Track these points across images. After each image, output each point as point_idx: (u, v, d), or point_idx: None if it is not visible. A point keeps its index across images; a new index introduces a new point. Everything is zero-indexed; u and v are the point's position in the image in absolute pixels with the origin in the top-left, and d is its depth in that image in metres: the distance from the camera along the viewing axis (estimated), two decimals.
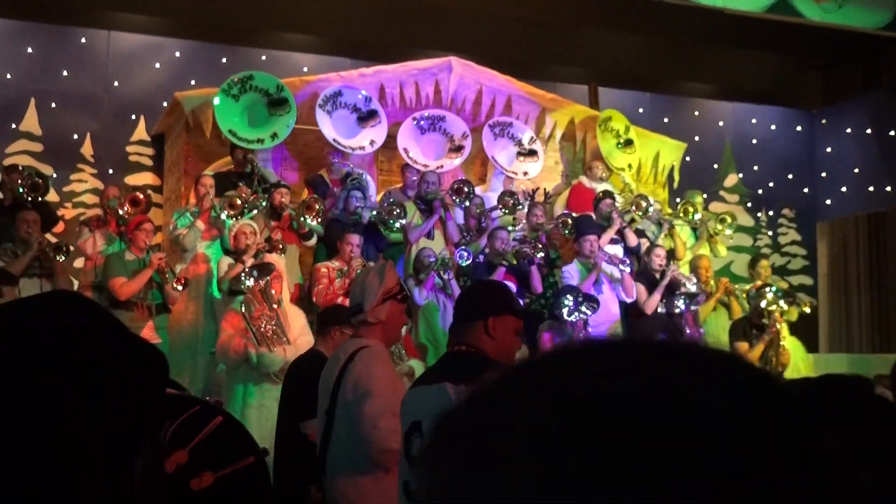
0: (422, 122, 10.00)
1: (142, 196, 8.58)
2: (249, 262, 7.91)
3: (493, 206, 9.51)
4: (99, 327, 1.21)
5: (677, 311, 8.47)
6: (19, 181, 8.04)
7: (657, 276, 9.15)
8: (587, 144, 11.09)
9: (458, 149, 10.00)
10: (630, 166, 10.89)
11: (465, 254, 8.86)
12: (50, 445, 1.11)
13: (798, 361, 9.30)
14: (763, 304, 8.86)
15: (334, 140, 9.39)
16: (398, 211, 8.86)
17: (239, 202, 8.35)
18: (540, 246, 8.94)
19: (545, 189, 9.98)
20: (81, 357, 1.16)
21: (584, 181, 10.63)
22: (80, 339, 1.17)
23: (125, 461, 1.18)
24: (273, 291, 7.67)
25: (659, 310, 8.78)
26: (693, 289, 9.15)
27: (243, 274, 7.59)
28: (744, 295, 9.64)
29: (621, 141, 10.84)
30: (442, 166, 9.86)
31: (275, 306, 7.63)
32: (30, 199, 7.92)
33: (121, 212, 8.42)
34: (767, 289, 8.95)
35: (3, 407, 1.11)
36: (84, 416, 1.13)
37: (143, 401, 1.21)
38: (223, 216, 8.34)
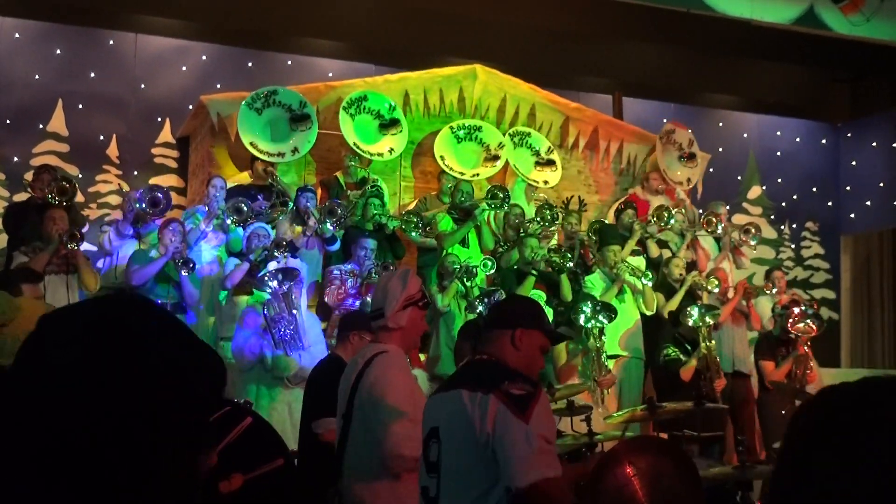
0: (459, 132, 10.02)
1: (161, 197, 8.55)
2: (255, 261, 7.99)
3: (532, 217, 9.51)
4: (165, 330, 1.23)
5: (690, 321, 8.41)
6: (49, 183, 8.10)
7: (677, 285, 9.12)
8: (628, 156, 11.09)
9: (494, 158, 10.02)
10: (689, 181, 10.89)
11: (490, 262, 8.86)
12: (116, 446, 1.12)
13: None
14: (790, 323, 8.77)
15: (354, 144, 9.43)
16: (417, 220, 8.90)
17: (244, 208, 8.38)
18: (570, 256, 8.93)
19: (580, 197, 9.98)
20: (148, 359, 1.17)
21: (639, 192, 10.65)
22: (146, 342, 1.19)
23: (189, 462, 1.19)
24: (294, 297, 7.72)
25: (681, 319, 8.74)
26: (714, 291, 9.11)
27: (268, 277, 7.64)
28: (769, 292, 9.56)
29: (684, 154, 10.85)
30: (478, 174, 9.89)
31: (294, 311, 7.68)
32: (57, 203, 7.97)
33: (140, 206, 8.39)
34: (796, 308, 8.85)
35: (71, 408, 1.12)
36: (149, 418, 1.14)
37: (205, 403, 1.23)
38: (228, 221, 8.38)
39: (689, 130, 11.30)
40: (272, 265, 7.90)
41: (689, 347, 8.39)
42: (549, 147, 10.42)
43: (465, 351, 5.81)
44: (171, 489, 1.17)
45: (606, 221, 10.00)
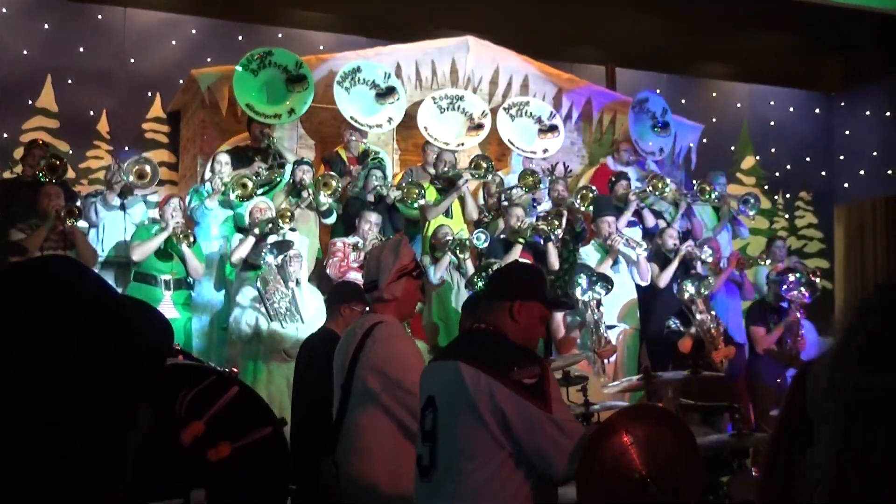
0: (441, 102, 9.97)
1: (148, 169, 8.45)
2: (259, 234, 7.97)
3: (514, 184, 9.48)
4: (93, 292, 1.19)
5: (686, 295, 8.43)
6: (39, 160, 8.05)
7: (671, 256, 9.12)
8: (615, 125, 11.02)
9: (478, 127, 9.97)
10: (661, 150, 10.83)
11: (483, 236, 8.84)
12: (40, 410, 1.09)
13: (812, 344, 9.24)
14: (783, 289, 8.80)
15: (351, 117, 9.37)
16: (417, 191, 8.83)
17: (249, 184, 8.34)
18: (557, 223, 8.90)
19: (564, 163, 9.95)
20: (77, 320, 1.13)
21: (609, 163, 10.59)
22: (74, 303, 1.15)
23: (118, 430, 1.16)
24: (291, 270, 7.71)
25: (674, 290, 8.74)
26: (709, 260, 9.11)
27: (263, 250, 7.62)
28: (763, 263, 9.60)
29: (658, 123, 10.78)
30: (462, 144, 9.84)
31: (291, 284, 7.67)
32: (47, 180, 7.93)
33: (128, 179, 8.32)
34: (790, 275, 8.88)
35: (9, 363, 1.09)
36: (75, 382, 1.11)
37: (139, 368, 1.19)
38: (233, 196, 8.34)
39: (683, 101, 11.25)
40: (271, 238, 7.90)
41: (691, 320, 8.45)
42: (552, 112, 10.37)
43: (468, 325, 5.80)
44: (100, 458, 1.13)
45: (593, 188, 9.93)
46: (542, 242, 8.88)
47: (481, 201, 9.68)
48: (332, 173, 8.77)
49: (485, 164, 9.30)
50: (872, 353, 0.94)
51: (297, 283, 7.79)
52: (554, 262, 8.90)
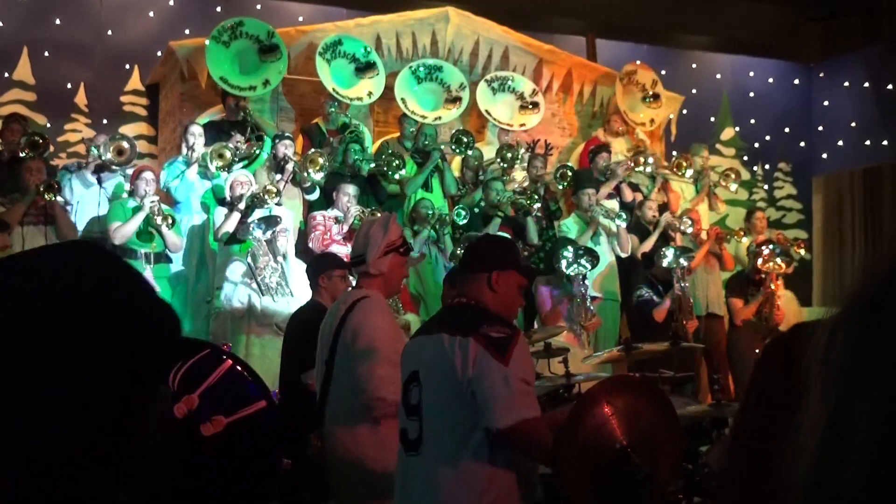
0: (419, 72, 9.93)
1: (127, 145, 8.43)
2: (244, 209, 7.95)
3: (492, 159, 9.49)
4: (118, 278, 1.20)
5: (665, 262, 8.51)
6: (19, 137, 8.01)
7: (650, 228, 9.19)
8: (601, 98, 11.02)
9: (456, 100, 9.94)
10: (652, 122, 10.86)
11: (463, 212, 8.85)
12: (61, 395, 1.10)
13: (790, 315, 9.33)
14: (759, 262, 8.88)
15: (333, 89, 9.33)
16: (397, 162, 8.83)
17: (228, 154, 8.32)
18: (537, 197, 8.95)
19: (546, 141, 9.97)
20: (99, 307, 1.14)
21: (601, 135, 10.63)
22: (98, 290, 1.16)
23: (136, 415, 1.17)
24: (279, 244, 7.74)
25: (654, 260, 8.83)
26: (689, 231, 9.19)
27: (252, 225, 7.62)
28: (739, 240, 9.67)
29: (648, 95, 10.80)
30: (440, 118, 9.81)
31: (280, 258, 7.70)
32: (29, 157, 7.88)
33: (106, 156, 8.32)
34: (765, 247, 8.96)
35: (18, 356, 1.09)
36: (96, 367, 1.12)
37: (155, 355, 1.20)
38: (212, 167, 8.32)
39: (664, 72, 11.25)
40: (257, 213, 7.89)
41: (661, 288, 8.49)
42: (534, 89, 10.35)
43: (451, 297, 5.84)
44: (119, 437, 1.15)
45: (570, 164, 9.99)
46: (522, 216, 8.92)
47: (458, 174, 9.68)
48: (318, 150, 8.75)
49: (465, 139, 9.31)
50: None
51: (285, 257, 7.83)
52: (533, 235, 8.95)
